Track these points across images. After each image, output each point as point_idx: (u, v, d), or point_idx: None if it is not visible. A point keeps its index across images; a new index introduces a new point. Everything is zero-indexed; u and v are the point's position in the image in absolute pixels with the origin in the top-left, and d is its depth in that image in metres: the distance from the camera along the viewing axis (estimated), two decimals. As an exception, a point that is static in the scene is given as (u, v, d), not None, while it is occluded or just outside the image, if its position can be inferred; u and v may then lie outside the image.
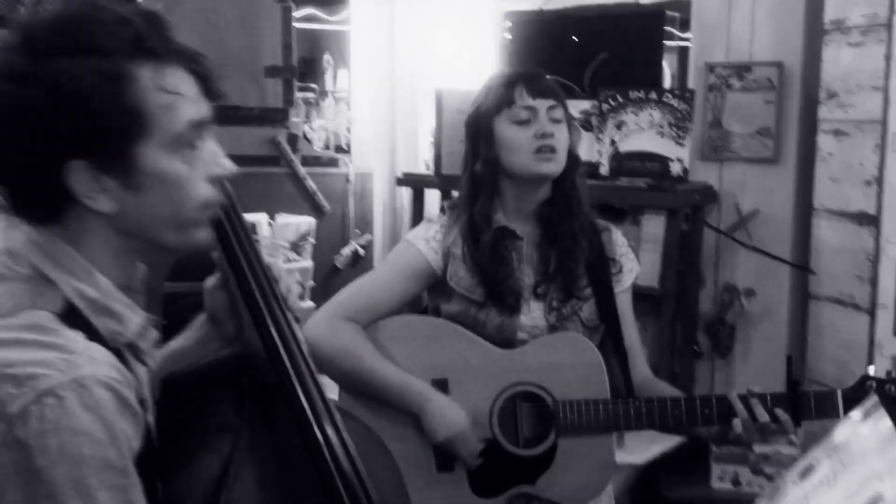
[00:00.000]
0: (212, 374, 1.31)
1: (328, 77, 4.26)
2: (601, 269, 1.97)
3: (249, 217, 2.89)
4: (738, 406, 1.80)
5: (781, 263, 3.07)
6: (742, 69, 3.09)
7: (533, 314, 1.93)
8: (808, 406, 1.79)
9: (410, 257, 1.95)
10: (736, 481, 2.82)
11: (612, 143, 3.08)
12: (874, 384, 1.76)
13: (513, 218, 1.94)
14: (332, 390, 1.78)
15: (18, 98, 1.01)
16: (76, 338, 1.03)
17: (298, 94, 4.07)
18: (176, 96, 1.07)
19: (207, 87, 1.13)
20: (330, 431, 1.28)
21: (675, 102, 3.02)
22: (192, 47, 1.12)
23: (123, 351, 1.11)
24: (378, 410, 1.89)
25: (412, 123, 3.99)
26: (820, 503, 1.01)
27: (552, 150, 1.88)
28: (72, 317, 1.05)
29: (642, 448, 2.86)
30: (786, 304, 3.08)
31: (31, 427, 0.96)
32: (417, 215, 3.67)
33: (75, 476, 0.97)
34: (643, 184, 2.97)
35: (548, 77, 1.97)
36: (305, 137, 4.06)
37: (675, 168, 3.01)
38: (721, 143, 3.13)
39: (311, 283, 3.66)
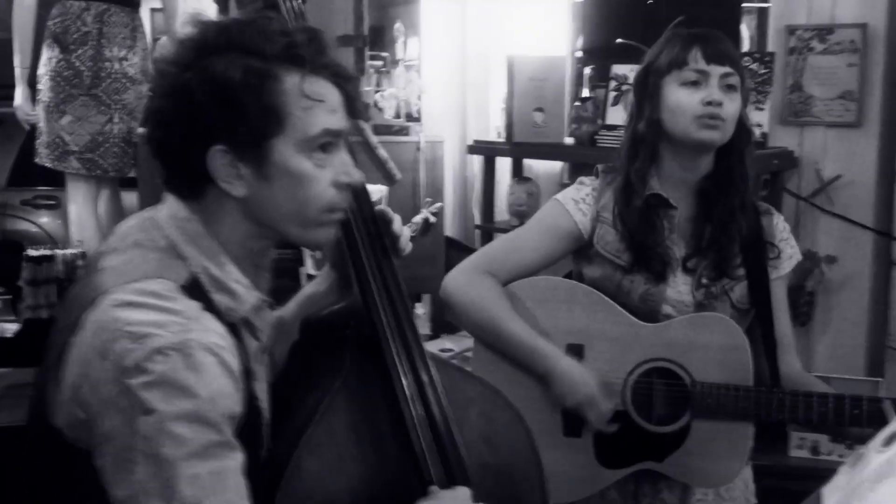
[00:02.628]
0: (329, 322, 1.38)
1: (399, 45, 4.26)
2: (757, 251, 1.87)
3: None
4: (892, 415, 1.68)
5: (864, 230, 3.01)
6: (824, 31, 3.01)
7: (679, 288, 1.85)
8: None
9: (558, 217, 1.90)
10: (815, 450, 2.78)
11: (689, 108, 3.03)
12: None
13: (670, 187, 1.86)
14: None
15: (180, 83, 1.16)
16: (192, 306, 1.14)
17: (369, 63, 4.08)
18: (316, 103, 1.18)
19: (351, 105, 1.24)
20: (419, 385, 1.32)
21: (754, 66, 2.96)
22: (347, 68, 1.24)
23: (238, 326, 1.22)
24: (507, 368, 1.87)
25: (483, 91, 3.98)
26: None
27: (717, 118, 1.77)
28: (194, 289, 1.17)
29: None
30: (868, 271, 3.02)
31: (140, 379, 1.07)
32: (488, 183, 3.67)
33: (171, 425, 1.07)
34: (720, 149, 2.92)
35: (725, 41, 1.85)
36: (376, 106, 4.07)
37: (754, 133, 2.95)
38: (802, 107, 3.06)
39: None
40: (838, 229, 3.05)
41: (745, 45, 3.29)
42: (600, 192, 1.90)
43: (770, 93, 2.95)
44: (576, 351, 1.86)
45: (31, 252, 3.45)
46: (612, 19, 3.41)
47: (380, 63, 4.18)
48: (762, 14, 3.22)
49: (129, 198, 3.90)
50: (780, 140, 3.08)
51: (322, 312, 1.42)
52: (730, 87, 1.80)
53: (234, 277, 1.22)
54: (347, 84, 1.23)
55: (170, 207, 1.23)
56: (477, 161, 3.92)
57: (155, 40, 4.00)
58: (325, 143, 1.20)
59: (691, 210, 1.88)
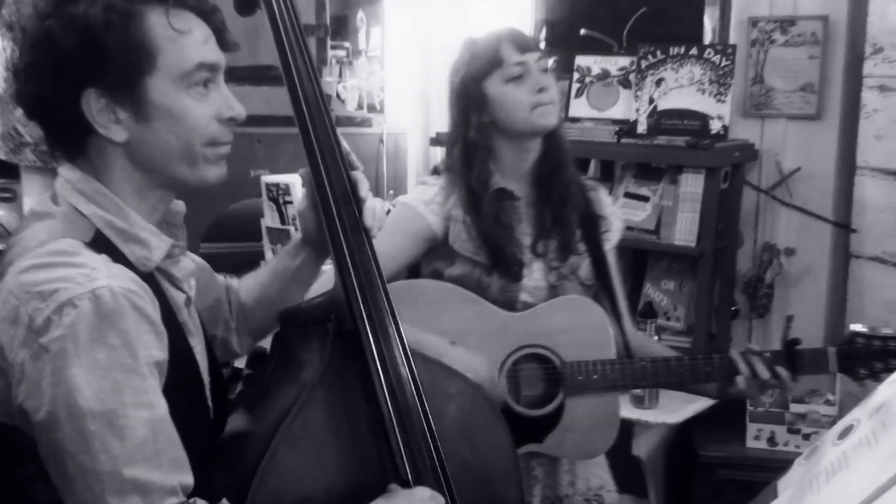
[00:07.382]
0: (310, 314, 1.37)
1: (361, 35, 4.21)
2: (592, 226, 1.99)
3: (282, 178, 2.89)
4: (741, 365, 1.87)
5: (823, 222, 3.01)
6: (786, 23, 3.00)
7: (534, 275, 1.93)
8: (803, 363, 1.87)
9: (411, 221, 1.93)
10: (772, 441, 2.80)
11: (651, 100, 3.02)
12: (863, 340, 1.84)
13: (509, 178, 1.94)
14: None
15: (42, 32, 1.13)
16: (98, 258, 1.11)
17: (331, 53, 4.03)
18: (184, 35, 1.16)
19: (221, 38, 1.22)
20: (398, 381, 1.30)
21: (716, 58, 2.96)
22: (209, 1, 1.22)
23: (157, 277, 1.21)
24: None
25: (446, 82, 3.94)
26: (859, 463, 0.99)
27: (550, 102, 1.88)
28: (99, 244, 1.15)
29: (676, 408, 2.84)
30: (826, 263, 3.02)
31: (52, 334, 1.05)
32: (452, 175, 3.64)
33: (91, 375, 1.05)
34: (682, 142, 2.92)
35: (524, 32, 1.97)
36: (338, 97, 4.03)
37: (715, 125, 2.95)
38: (763, 99, 3.06)
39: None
40: (797, 221, 3.05)
41: (708, 37, 3.28)
42: (447, 192, 1.94)
43: (731, 85, 2.95)
44: None
45: (-15, 245, 3.39)
46: (575, 10, 3.39)
47: (342, 53, 4.14)
48: (725, 5, 3.20)
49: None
50: (741, 132, 3.08)
51: (302, 304, 1.42)
52: (545, 71, 1.90)
53: (141, 226, 1.20)
54: (214, 16, 1.22)
55: (62, 175, 1.21)
56: (440, 153, 3.89)
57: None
58: (204, 79, 1.19)
59: (531, 196, 1.96)
